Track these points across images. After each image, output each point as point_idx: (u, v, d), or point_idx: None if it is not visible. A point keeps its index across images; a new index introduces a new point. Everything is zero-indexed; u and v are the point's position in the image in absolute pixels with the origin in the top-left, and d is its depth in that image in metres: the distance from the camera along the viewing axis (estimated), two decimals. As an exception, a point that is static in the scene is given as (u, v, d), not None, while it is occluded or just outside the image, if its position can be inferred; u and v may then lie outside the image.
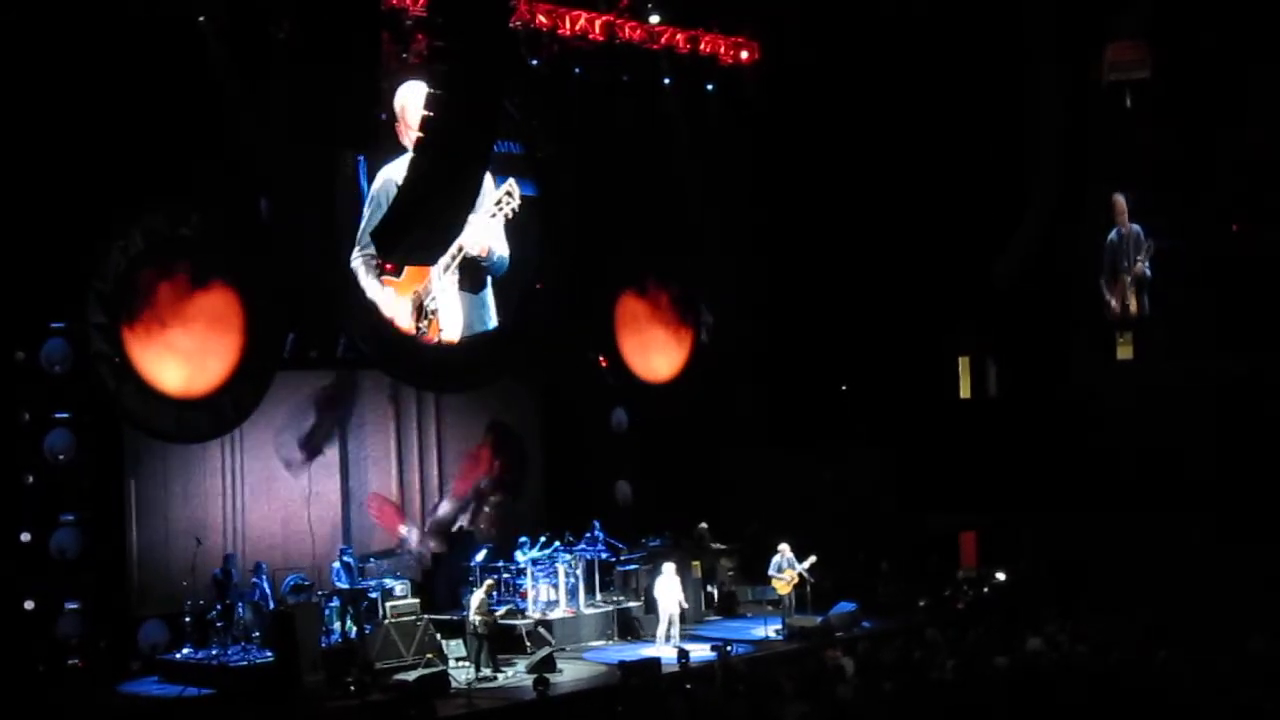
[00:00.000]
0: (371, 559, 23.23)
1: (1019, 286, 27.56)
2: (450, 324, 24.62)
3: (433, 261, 23.27)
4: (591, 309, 26.89)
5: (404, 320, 24.06)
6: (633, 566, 24.45)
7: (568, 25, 25.12)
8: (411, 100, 22.89)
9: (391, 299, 23.86)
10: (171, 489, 22.52)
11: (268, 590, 21.33)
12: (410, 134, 22.00)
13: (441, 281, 24.33)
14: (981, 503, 27.73)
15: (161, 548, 22.21)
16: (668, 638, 22.34)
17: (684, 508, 26.23)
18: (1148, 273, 27.70)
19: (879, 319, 28.41)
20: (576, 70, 25.71)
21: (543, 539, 23.57)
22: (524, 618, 22.31)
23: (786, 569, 23.53)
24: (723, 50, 27.30)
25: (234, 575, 21.24)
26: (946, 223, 27.66)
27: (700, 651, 21.15)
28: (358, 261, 23.33)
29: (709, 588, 25.49)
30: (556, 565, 23.30)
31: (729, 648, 20.97)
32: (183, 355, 21.39)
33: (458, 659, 21.28)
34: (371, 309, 23.64)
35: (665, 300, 28.02)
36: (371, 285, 23.57)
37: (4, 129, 19.74)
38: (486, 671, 20.57)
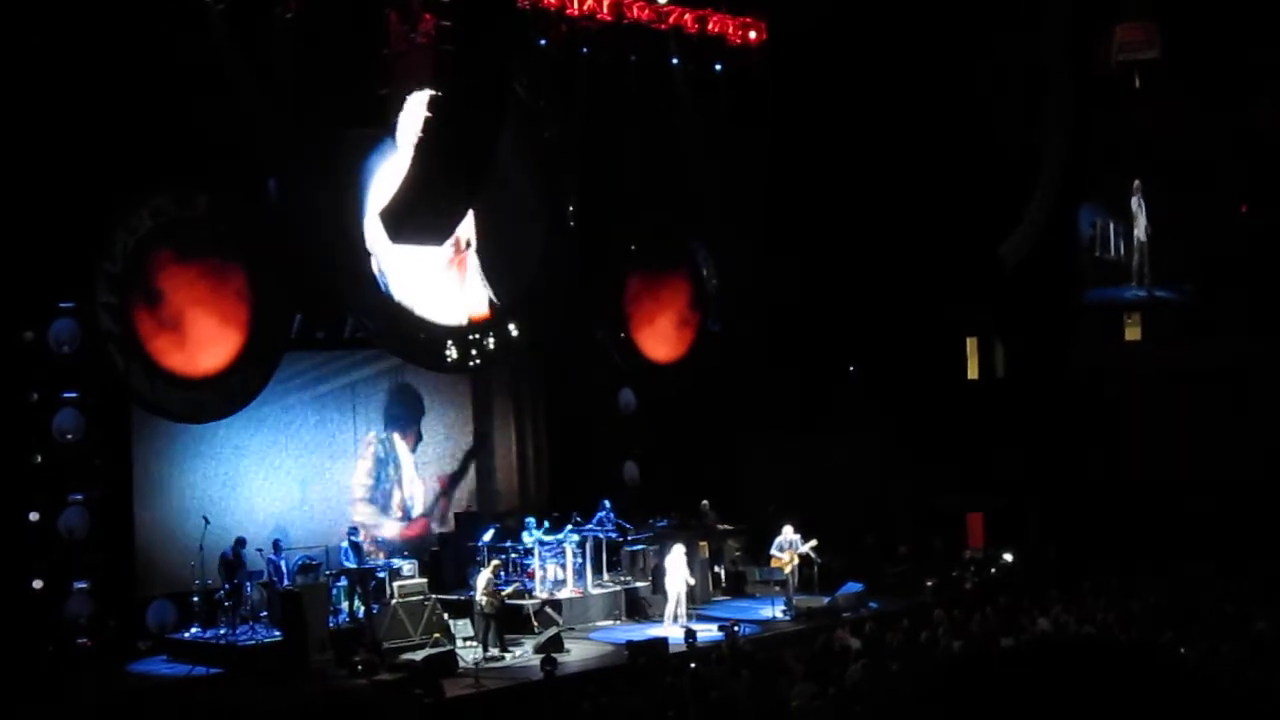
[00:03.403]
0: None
1: (1027, 267, 27.55)
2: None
3: (440, 243, 23.24)
4: (599, 289, 26.87)
5: (416, 301, 24.06)
6: (640, 547, 24.47)
7: (575, 5, 25.01)
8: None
9: (401, 280, 23.85)
10: (179, 469, 22.55)
11: (284, 569, 21.37)
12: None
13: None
14: (989, 484, 27.73)
15: (169, 527, 22.24)
16: (675, 618, 22.36)
17: (691, 489, 26.25)
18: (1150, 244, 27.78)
19: (887, 300, 28.38)
20: (584, 50, 25.64)
21: (547, 525, 23.58)
22: (531, 598, 22.35)
23: (788, 549, 23.53)
24: (731, 30, 27.21)
25: (244, 556, 21.25)
26: (954, 203, 27.62)
27: (707, 631, 21.20)
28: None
29: (716, 568, 25.50)
30: (564, 545, 23.33)
31: (736, 628, 21.01)
32: (190, 336, 21.38)
33: (465, 639, 21.30)
34: (380, 289, 23.61)
35: (672, 280, 27.98)
36: (381, 266, 23.55)
37: (13, 110, 19.71)
38: (494, 651, 20.62)
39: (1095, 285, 28.80)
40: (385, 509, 24.95)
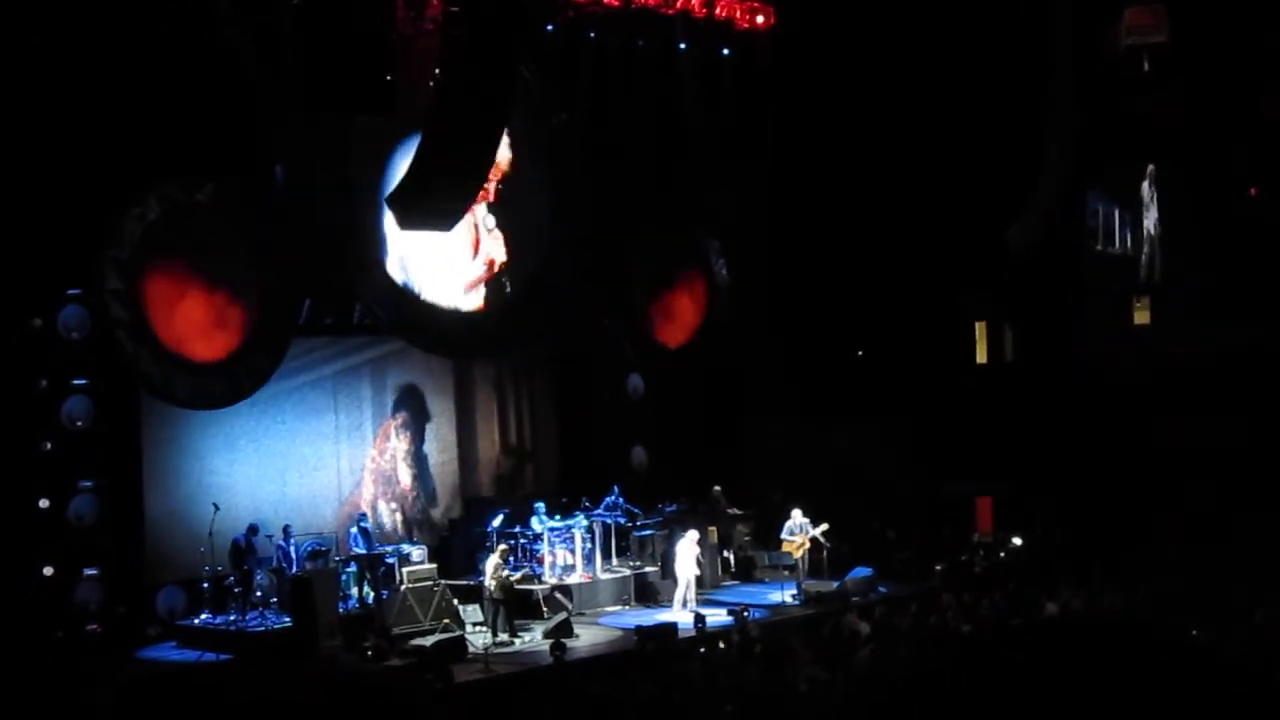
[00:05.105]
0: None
1: (1035, 251, 27.50)
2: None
3: (448, 228, 23.23)
4: (606, 275, 26.83)
5: (425, 287, 24.06)
6: (649, 532, 24.49)
7: (582, -11, 24.99)
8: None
9: (409, 266, 23.86)
10: (189, 455, 22.56)
11: (294, 554, 21.38)
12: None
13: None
14: (997, 468, 27.70)
15: (179, 514, 22.24)
16: (684, 603, 22.38)
17: (699, 474, 26.25)
18: (1160, 236, 27.68)
19: (895, 284, 28.35)
20: (591, 35, 25.59)
21: (558, 515, 23.59)
22: (541, 583, 22.37)
23: (799, 533, 23.55)
24: (738, 15, 27.08)
25: (256, 543, 21.27)
26: (962, 188, 27.57)
27: (717, 616, 21.21)
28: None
29: (725, 553, 25.52)
30: (573, 530, 23.35)
31: (745, 613, 21.02)
32: (199, 322, 21.40)
33: (475, 624, 21.32)
34: (388, 275, 23.61)
35: (680, 266, 27.93)
36: (391, 252, 23.56)
37: (21, 98, 19.71)
38: (503, 636, 20.64)
39: (1099, 281, 28.73)
40: (393, 495, 24.97)
